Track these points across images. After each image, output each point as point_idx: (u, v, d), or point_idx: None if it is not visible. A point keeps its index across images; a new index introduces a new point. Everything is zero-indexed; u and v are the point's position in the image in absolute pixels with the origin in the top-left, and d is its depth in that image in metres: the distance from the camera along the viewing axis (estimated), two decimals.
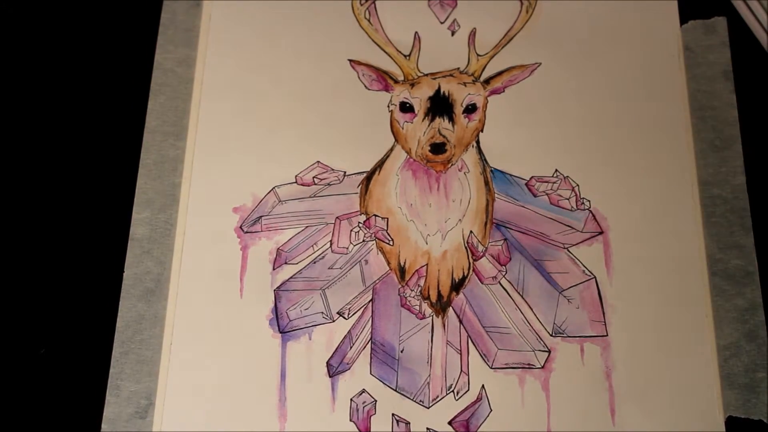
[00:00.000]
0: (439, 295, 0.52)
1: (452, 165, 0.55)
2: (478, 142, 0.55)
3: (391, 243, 0.53)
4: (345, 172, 0.55)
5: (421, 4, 0.59)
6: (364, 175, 0.55)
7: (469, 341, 0.51)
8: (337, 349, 0.51)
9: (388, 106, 0.56)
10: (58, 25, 0.59)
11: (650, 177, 0.54)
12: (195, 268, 0.52)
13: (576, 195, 0.54)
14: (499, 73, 0.57)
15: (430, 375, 0.50)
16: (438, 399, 0.50)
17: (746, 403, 0.49)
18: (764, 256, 0.52)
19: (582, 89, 0.57)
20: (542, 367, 0.50)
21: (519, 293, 0.52)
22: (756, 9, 0.58)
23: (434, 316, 0.52)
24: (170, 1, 0.59)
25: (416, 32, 0.58)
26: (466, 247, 0.53)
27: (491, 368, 0.50)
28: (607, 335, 0.51)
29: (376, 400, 0.50)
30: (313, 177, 0.55)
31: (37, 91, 0.58)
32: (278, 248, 0.53)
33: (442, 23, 0.59)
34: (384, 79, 0.57)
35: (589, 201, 0.54)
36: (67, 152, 0.56)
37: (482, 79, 0.57)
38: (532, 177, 0.55)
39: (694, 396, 0.49)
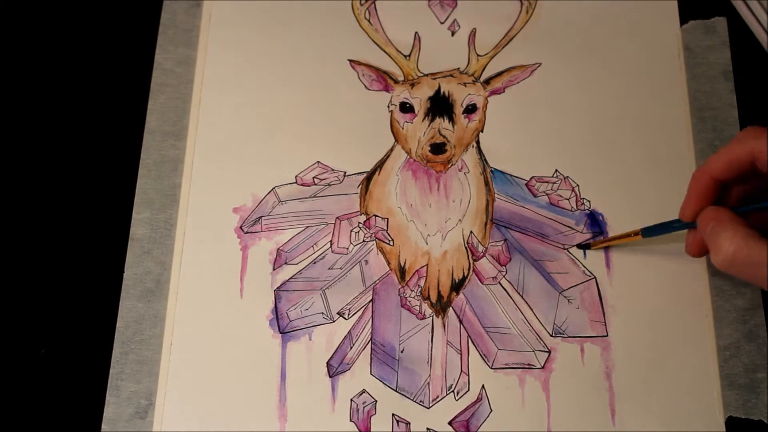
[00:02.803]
0: (439, 296, 0.52)
1: (452, 165, 0.55)
2: (478, 143, 0.55)
3: (391, 243, 0.53)
4: (345, 172, 0.55)
5: (421, 4, 0.59)
6: (364, 175, 0.55)
7: (470, 341, 0.51)
8: (337, 349, 0.51)
9: (388, 106, 0.56)
10: (58, 25, 0.59)
11: (650, 177, 0.54)
12: (195, 268, 0.52)
13: (576, 195, 0.54)
14: (500, 74, 0.57)
15: (430, 375, 0.50)
16: (438, 399, 0.50)
17: (746, 403, 0.49)
18: None
19: (582, 89, 0.57)
20: (542, 368, 0.50)
21: (519, 293, 0.52)
22: (756, 9, 0.58)
23: (434, 316, 0.52)
24: (170, 1, 0.59)
25: (416, 32, 0.58)
26: (466, 248, 0.53)
27: (491, 368, 0.50)
28: (607, 335, 0.51)
29: (376, 401, 0.50)
30: (313, 177, 0.55)
31: (37, 92, 0.58)
32: (278, 248, 0.53)
33: (442, 23, 0.59)
34: (384, 79, 0.57)
35: (589, 201, 0.54)
36: (68, 152, 0.56)
37: (482, 79, 0.57)
38: (532, 177, 0.55)
39: (694, 396, 0.49)
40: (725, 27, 0.58)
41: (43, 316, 0.52)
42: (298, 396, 0.50)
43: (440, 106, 0.56)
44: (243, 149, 0.55)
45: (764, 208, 0.45)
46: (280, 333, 0.51)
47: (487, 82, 0.57)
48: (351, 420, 0.49)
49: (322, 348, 0.51)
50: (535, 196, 0.54)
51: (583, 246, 0.53)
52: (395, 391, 0.50)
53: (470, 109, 0.56)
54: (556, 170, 0.55)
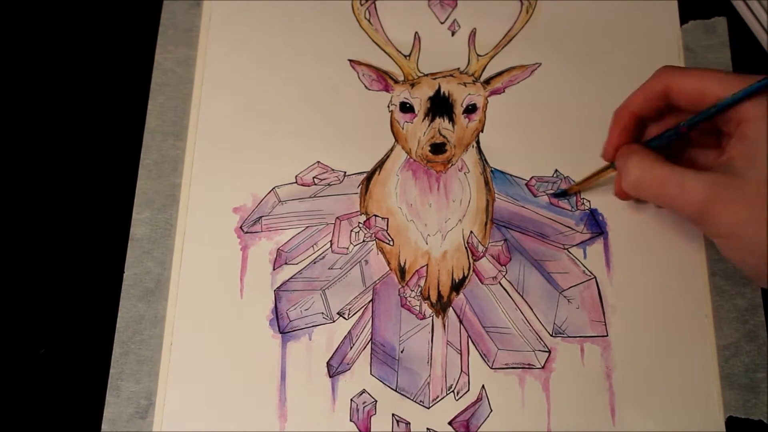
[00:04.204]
0: (440, 296, 0.52)
1: (452, 165, 0.55)
2: (478, 142, 0.55)
3: (391, 243, 0.53)
4: (345, 172, 0.55)
5: (421, 4, 0.59)
6: (364, 175, 0.55)
7: (470, 341, 0.51)
8: (337, 349, 0.51)
9: (388, 107, 0.56)
10: (58, 25, 0.59)
11: None
12: (195, 268, 0.52)
13: (576, 195, 0.54)
14: (500, 74, 0.57)
15: (430, 375, 0.50)
16: (438, 399, 0.50)
17: (746, 403, 0.49)
18: None
19: (582, 89, 0.57)
20: (542, 368, 0.50)
21: (519, 293, 0.52)
22: (756, 9, 0.58)
23: (434, 316, 0.52)
24: (170, 1, 0.59)
25: (416, 32, 0.58)
26: (466, 248, 0.53)
27: (491, 368, 0.50)
28: (607, 335, 0.51)
29: (376, 401, 0.50)
30: (313, 177, 0.55)
31: (37, 92, 0.58)
32: (278, 248, 0.53)
33: (442, 23, 0.59)
34: (384, 79, 0.57)
35: (589, 201, 0.54)
36: (68, 153, 0.56)
37: (482, 79, 0.57)
38: (532, 177, 0.55)
39: (694, 396, 0.49)
40: (725, 27, 0.58)
41: (43, 316, 0.52)
42: (298, 396, 0.50)
43: (440, 106, 0.56)
44: (243, 149, 0.55)
45: (669, 138, 0.48)
46: (280, 333, 0.51)
47: (487, 82, 0.57)
48: (351, 420, 0.49)
49: (322, 348, 0.51)
50: (535, 195, 0.54)
51: (559, 194, 0.54)
52: (395, 391, 0.50)
53: (470, 109, 0.56)
54: (556, 170, 0.55)
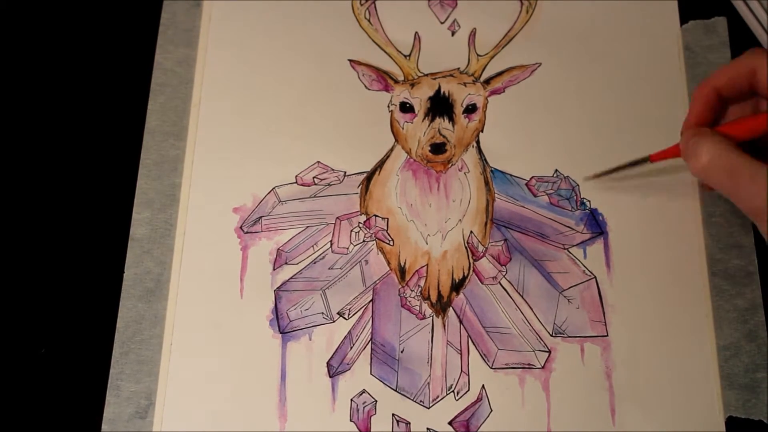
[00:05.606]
0: (440, 296, 0.52)
1: (452, 165, 0.55)
2: (478, 142, 0.55)
3: (391, 243, 0.53)
4: (345, 172, 0.55)
5: (421, 4, 0.59)
6: (365, 175, 0.55)
7: (470, 341, 0.51)
8: (337, 349, 0.51)
9: (388, 106, 0.56)
10: (58, 25, 0.59)
11: (650, 177, 0.54)
12: (195, 268, 0.52)
13: (576, 195, 0.54)
14: (500, 74, 0.57)
15: (430, 375, 0.50)
16: (438, 399, 0.50)
17: (746, 403, 0.49)
18: (764, 256, 0.52)
19: (582, 89, 0.57)
20: (542, 367, 0.50)
21: (519, 293, 0.52)
22: (756, 9, 0.58)
23: (434, 316, 0.52)
24: (170, 1, 0.59)
25: (416, 32, 0.58)
26: (466, 248, 0.53)
27: (491, 368, 0.50)
28: (607, 335, 0.51)
29: (376, 401, 0.50)
30: (313, 177, 0.55)
31: (37, 92, 0.58)
32: (278, 248, 0.53)
33: (442, 23, 0.59)
34: (384, 79, 0.57)
35: (589, 201, 0.54)
36: (68, 152, 0.56)
37: (482, 79, 0.57)
38: (532, 177, 0.55)
39: (694, 396, 0.49)
40: (725, 27, 0.58)
41: (43, 316, 0.52)
42: (298, 396, 0.50)
43: (440, 106, 0.56)
44: (243, 149, 0.55)
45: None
46: (280, 333, 0.51)
47: (487, 82, 0.57)
48: (351, 420, 0.49)
49: (322, 348, 0.51)
50: (535, 195, 0.54)
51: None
52: (395, 391, 0.50)
53: (470, 109, 0.56)
54: (556, 170, 0.55)
